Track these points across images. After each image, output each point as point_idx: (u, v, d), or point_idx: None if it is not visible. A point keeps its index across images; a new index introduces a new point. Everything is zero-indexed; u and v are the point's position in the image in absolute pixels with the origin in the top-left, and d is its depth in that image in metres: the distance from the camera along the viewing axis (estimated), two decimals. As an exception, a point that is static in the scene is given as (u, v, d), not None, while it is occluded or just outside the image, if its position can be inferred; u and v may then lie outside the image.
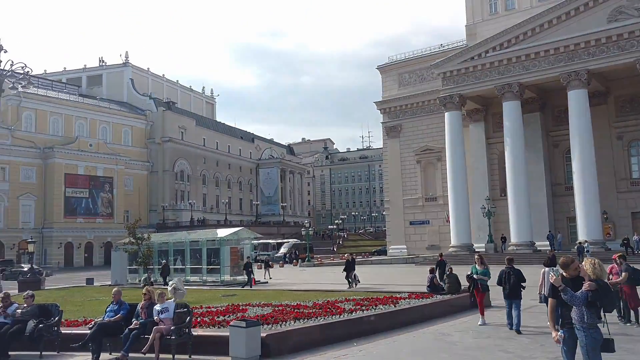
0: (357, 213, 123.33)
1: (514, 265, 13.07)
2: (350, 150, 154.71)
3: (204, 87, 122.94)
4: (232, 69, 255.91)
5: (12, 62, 30.43)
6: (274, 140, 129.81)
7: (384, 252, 62.25)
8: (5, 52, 30.73)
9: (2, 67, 30.35)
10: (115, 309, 11.28)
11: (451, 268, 18.06)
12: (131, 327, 10.65)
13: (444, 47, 56.42)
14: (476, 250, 42.93)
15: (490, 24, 50.71)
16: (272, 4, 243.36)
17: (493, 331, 12.74)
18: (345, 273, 24.47)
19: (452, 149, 48.09)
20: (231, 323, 10.39)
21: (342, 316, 12.83)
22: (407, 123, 58.65)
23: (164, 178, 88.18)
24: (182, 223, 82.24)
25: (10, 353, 11.18)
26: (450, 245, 47.44)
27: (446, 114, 48.91)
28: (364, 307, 13.96)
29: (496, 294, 15.24)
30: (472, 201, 48.61)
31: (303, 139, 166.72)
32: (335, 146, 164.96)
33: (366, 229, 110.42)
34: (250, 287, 25.85)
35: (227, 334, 10.11)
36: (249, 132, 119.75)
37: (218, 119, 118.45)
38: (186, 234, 35.34)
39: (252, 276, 27.01)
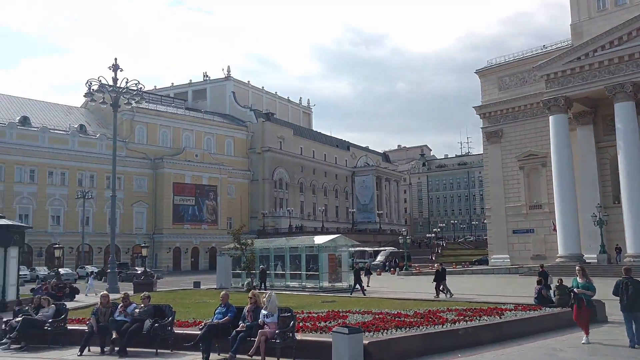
0: (456, 221, 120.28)
1: (632, 276, 12.12)
2: (448, 156, 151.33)
3: (300, 98, 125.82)
4: (327, 79, 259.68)
5: (127, 79, 32.99)
6: (369, 147, 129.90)
7: (485, 262, 60.24)
8: (121, 70, 33.33)
9: (118, 85, 32.93)
10: (224, 311, 11.77)
11: (561, 279, 17.10)
12: (238, 329, 11.07)
13: (546, 48, 53.91)
14: (587, 261, 40.36)
15: (598, 22, 47.77)
16: (367, 13, 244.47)
17: (612, 349, 11.87)
18: (435, 283, 24.35)
19: (558, 154, 45.62)
20: (333, 329, 10.49)
21: (444, 326, 12.55)
22: (509, 128, 56.47)
23: (263, 186, 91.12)
24: (281, 230, 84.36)
25: (128, 349, 12.00)
26: (558, 255, 44.90)
27: (551, 117, 46.55)
28: (467, 318, 13.57)
29: (612, 307, 14.22)
30: (581, 209, 45.76)
31: (399, 146, 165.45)
32: (432, 153, 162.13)
33: (466, 238, 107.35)
34: (364, 294, 25.68)
35: (330, 339, 10.22)
36: (345, 140, 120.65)
37: (314, 128, 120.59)
38: (285, 240, 36.18)
39: (362, 283, 27.05)
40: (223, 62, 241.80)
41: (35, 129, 69.36)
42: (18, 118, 69.53)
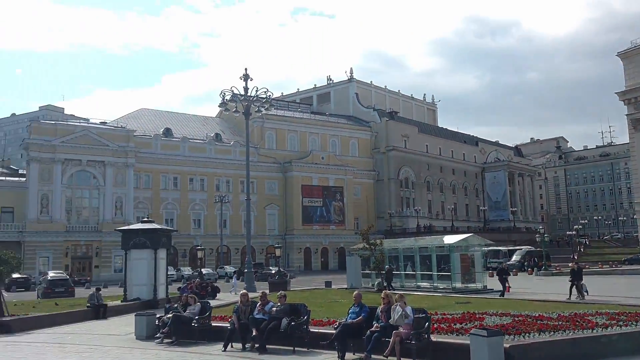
0: (599, 217, 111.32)
1: None
2: (588, 147, 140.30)
3: (424, 95, 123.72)
4: (451, 73, 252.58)
5: (257, 88, 34.57)
6: (500, 142, 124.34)
7: (637, 261, 54.98)
8: (251, 80, 35.00)
9: (249, 94, 34.61)
10: (357, 311, 11.83)
11: None
12: (372, 329, 11.06)
13: None
14: None
15: None
16: (490, 2, 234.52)
17: None
18: (570, 283, 22.93)
19: None
20: (471, 331, 10.12)
21: (594, 331, 11.57)
22: (659, 113, 51.13)
23: (389, 186, 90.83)
24: (408, 230, 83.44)
25: (267, 346, 12.48)
26: None
27: None
28: (620, 322, 12.41)
29: None
30: None
31: (532, 139, 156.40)
32: (569, 144, 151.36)
33: (612, 235, 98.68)
34: (502, 295, 24.64)
35: (467, 342, 9.87)
36: (472, 136, 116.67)
37: (440, 125, 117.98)
38: (414, 240, 35.68)
39: (507, 284, 26.03)
40: (346, 65, 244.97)
41: (177, 140, 75.15)
42: (162, 130, 75.83)
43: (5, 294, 19.68)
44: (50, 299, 29.67)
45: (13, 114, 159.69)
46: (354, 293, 12.57)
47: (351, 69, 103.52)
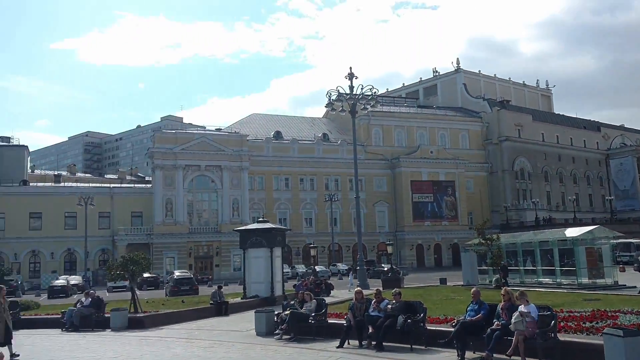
0: None
1: None
2: None
3: (537, 80, 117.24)
4: (567, 55, 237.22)
5: (362, 86, 34.59)
6: (625, 126, 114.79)
7: None
8: (356, 78, 35.07)
9: (354, 92, 34.72)
10: (476, 308, 11.42)
11: None
12: (493, 327, 10.62)
13: None
14: None
15: None
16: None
17: None
18: None
19: None
20: (604, 330, 9.37)
21: None
22: None
23: (503, 178, 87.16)
24: (526, 223, 79.59)
25: (384, 344, 12.41)
26: None
27: None
28: None
29: None
30: None
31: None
32: None
33: None
34: None
35: (600, 342, 9.15)
36: (593, 121, 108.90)
37: (556, 111, 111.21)
38: (532, 234, 33.88)
39: None
40: (451, 55, 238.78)
41: (287, 142, 77.28)
42: (272, 133, 78.39)
43: (137, 292, 21.30)
44: (177, 297, 31.74)
45: (138, 126, 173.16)
46: (472, 290, 12.15)
47: (457, 59, 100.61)
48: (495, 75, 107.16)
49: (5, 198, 63.48)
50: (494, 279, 28.69)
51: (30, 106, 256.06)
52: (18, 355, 12.97)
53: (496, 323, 10.71)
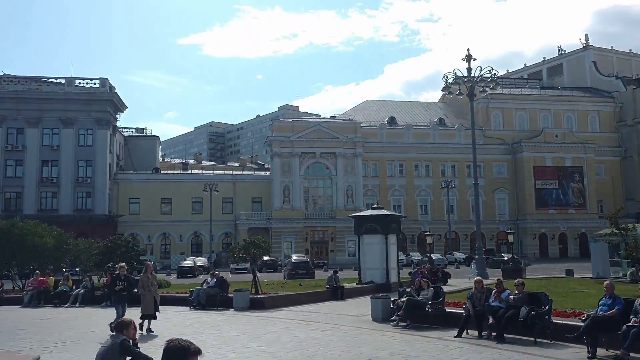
0: None
1: None
2: None
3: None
4: None
5: (481, 68, 33.23)
6: None
7: None
8: (474, 60, 33.76)
9: (472, 75, 33.43)
10: (609, 303, 10.57)
11: None
12: (629, 324, 9.77)
13: None
14: None
15: None
16: None
17: None
18: None
19: None
20: None
21: None
22: None
23: (640, 163, 79.85)
24: (666, 212, 72.36)
25: (505, 335, 11.90)
26: None
27: None
28: None
29: None
30: None
31: None
32: None
33: None
34: None
35: None
36: None
37: None
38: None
39: None
40: (578, 32, 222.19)
41: (401, 127, 76.39)
42: (386, 119, 77.85)
43: (258, 274, 22.24)
44: (294, 280, 32.75)
45: (257, 115, 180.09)
46: (605, 283, 11.27)
47: (586, 35, 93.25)
48: (630, 50, 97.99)
49: (140, 185, 69.06)
50: (628, 272, 26.53)
51: (160, 99, 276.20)
52: (153, 332, 14.09)
53: (633, 320, 9.84)
